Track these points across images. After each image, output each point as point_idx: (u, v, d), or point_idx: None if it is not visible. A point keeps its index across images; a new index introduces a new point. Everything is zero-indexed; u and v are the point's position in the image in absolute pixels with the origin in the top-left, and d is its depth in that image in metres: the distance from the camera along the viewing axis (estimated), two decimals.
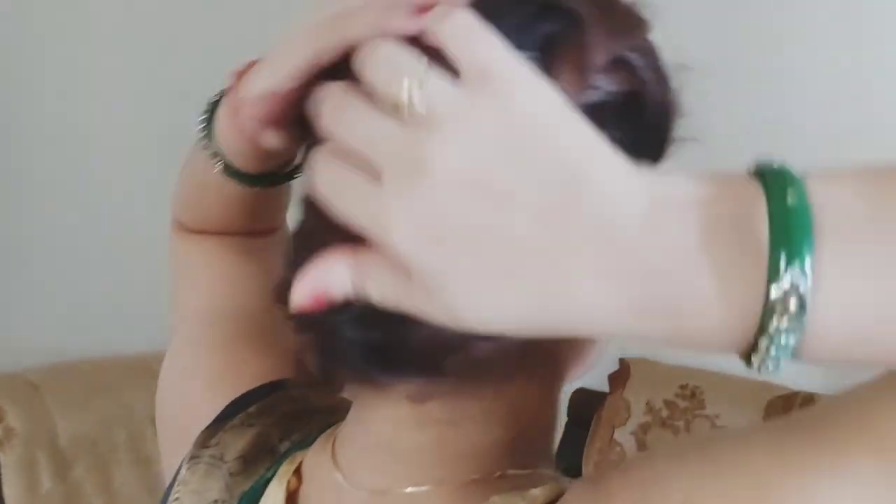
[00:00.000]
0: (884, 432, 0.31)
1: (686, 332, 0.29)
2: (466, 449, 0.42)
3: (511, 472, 0.42)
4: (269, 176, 0.50)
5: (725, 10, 2.03)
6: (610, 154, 0.30)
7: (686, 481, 0.35)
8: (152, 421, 2.12)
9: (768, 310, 0.28)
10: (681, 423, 1.99)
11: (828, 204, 0.28)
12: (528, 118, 0.30)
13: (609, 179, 0.30)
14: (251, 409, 0.52)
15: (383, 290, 0.32)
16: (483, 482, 0.42)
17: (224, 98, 0.48)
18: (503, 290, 0.30)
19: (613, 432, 2.04)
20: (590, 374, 0.48)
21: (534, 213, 0.29)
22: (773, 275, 0.28)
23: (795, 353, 0.29)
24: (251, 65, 0.41)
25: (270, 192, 0.52)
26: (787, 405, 1.88)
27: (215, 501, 0.49)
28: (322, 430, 0.49)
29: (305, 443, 0.49)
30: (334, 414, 0.50)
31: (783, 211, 0.28)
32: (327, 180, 0.32)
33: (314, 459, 0.47)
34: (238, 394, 0.53)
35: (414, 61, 0.31)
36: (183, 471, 0.51)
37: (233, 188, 0.51)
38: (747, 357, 0.30)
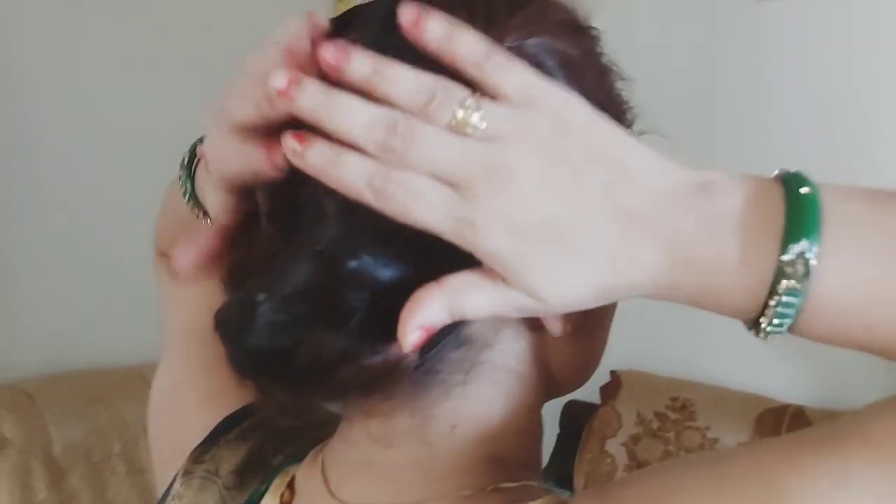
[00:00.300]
0: (877, 439, 0.35)
1: (712, 288, 0.36)
2: (447, 467, 0.43)
3: (503, 485, 0.43)
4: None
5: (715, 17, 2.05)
6: (638, 144, 0.37)
7: (699, 495, 0.37)
8: (146, 431, 2.12)
9: (779, 271, 0.34)
10: (671, 435, 2.00)
11: (834, 200, 0.35)
12: (574, 125, 0.36)
13: (645, 164, 0.36)
14: (244, 425, 0.54)
15: (477, 302, 0.37)
16: (475, 497, 0.43)
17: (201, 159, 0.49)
18: (576, 267, 0.36)
19: (604, 444, 2.05)
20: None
21: (592, 199, 0.35)
22: (785, 244, 0.34)
23: (797, 324, 0.35)
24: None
25: None
26: (777, 418, 1.89)
27: None
28: (314, 445, 0.50)
29: (298, 457, 0.50)
30: (325, 428, 0.50)
31: (798, 197, 0.35)
32: (401, 196, 0.36)
33: (305, 473, 0.48)
34: (231, 410, 0.54)
35: (456, 87, 0.36)
36: (177, 485, 0.52)
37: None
38: (755, 323, 0.36)
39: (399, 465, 0.44)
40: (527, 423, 0.46)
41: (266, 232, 0.41)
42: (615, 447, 2.04)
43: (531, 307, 0.37)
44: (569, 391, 0.49)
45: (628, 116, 0.45)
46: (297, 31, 0.39)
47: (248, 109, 0.39)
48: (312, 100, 0.36)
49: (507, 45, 0.39)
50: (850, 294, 0.35)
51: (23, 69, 1.89)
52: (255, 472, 0.51)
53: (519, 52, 0.39)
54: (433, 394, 0.42)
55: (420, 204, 0.35)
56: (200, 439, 0.53)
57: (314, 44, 0.38)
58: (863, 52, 1.87)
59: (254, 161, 0.39)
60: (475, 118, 0.35)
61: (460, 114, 0.35)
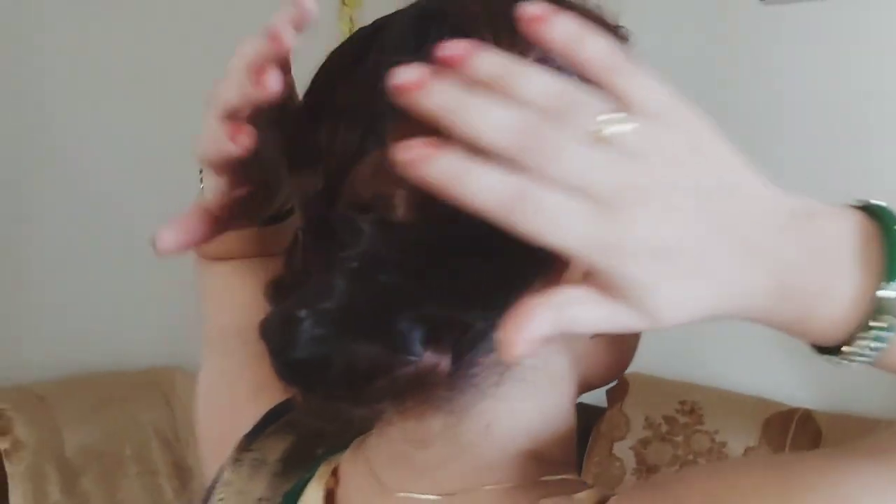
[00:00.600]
0: None
1: (809, 316, 0.36)
2: (484, 464, 0.44)
3: (544, 478, 0.44)
4: (275, 216, 0.54)
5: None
6: (749, 166, 0.36)
7: (760, 497, 0.38)
8: (157, 433, 2.14)
9: (878, 306, 0.35)
10: (680, 439, 2.00)
11: None
12: (704, 144, 0.35)
13: (758, 190, 0.36)
14: (288, 417, 0.55)
15: (585, 318, 0.35)
16: (515, 490, 0.44)
17: None
18: (696, 287, 0.35)
19: (612, 446, 2.06)
20: None
21: (714, 223, 0.34)
22: (887, 279, 0.35)
23: (880, 355, 0.36)
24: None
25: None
26: (785, 422, 1.90)
27: (260, 500, 0.51)
28: (354, 437, 0.51)
29: (341, 447, 0.51)
30: (365, 422, 0.51)
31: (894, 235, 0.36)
32: (539, 214, 0.33)
33: (349, 462, 0.50)
34: (276, 402, 0.56)
35: (594, 94, 0.33)
36: (226, 473, 0.54)
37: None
38: (834, 349, 0.37)
39: (435, 463, 0.45)
40: (561, 420, 0.47)
41: (303, 248, 0.43)
42: (623, 450, 2.04)
43: (637, 325, 0.35)
44: (601, 386, 0.50)
45: None
46: (282, 17, 0.41)
47: (233, 94, 0.42)
48: (445, 97, 0.33)
49: (531, 57, 0.38)
50: None
51: (42, 71, 1.91)
52: (300, 461, 0.52)
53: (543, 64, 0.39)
54: (467, 396, 0.43)
55: (559, 223, 0.32)
56: (248, 429, 0.55)
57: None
58: (871, 55, 1.87)
59: (221, 140, 0.42)
60: (620, 130, 0.33)
61: (605, 125, 0.33)
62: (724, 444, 1.94)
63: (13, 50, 1.87)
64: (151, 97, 2.05)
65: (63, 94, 1.94)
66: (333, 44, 0.45)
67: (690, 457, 1.97)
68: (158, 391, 1.98)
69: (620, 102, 0.33)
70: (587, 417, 2.09)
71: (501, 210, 0.32)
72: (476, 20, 0.41)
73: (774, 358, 1.97)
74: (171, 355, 2.05)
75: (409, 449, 0.45)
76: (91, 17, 1.96)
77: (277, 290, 0.43)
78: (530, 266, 0.40)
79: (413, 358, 0.39)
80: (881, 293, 0.35)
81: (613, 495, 0.42)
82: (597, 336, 0.45)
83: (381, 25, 0.44)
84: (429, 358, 0.39)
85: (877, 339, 0.36)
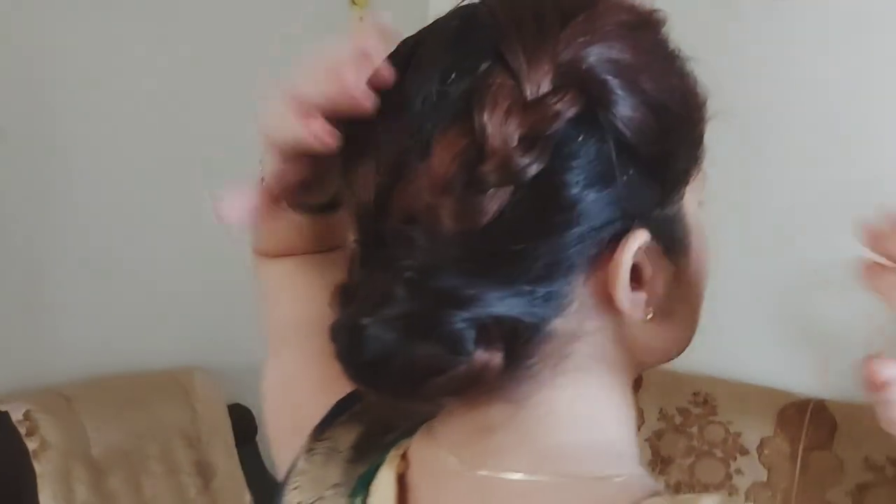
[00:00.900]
0: None
1: None
2: (548, 452, 0.46)
3: (608, 473, 0.46)
4: (325, 205, 0.56)
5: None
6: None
7: None
8: (181, 433, 2.16)
9: None
10: (694, 430, 2.03)
11: None
12: None
13: None
14: (357, 407, 0.58)
15: None
16: (583, 482, 0.45)
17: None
18: None
19: None
20: None
21: None
22: None
23: None
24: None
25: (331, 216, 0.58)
26: (799, 412, 1.92)
27: (335, 485, 0.54)
28: (423, 421, 0.53)
29: (408, 433, 0.54)
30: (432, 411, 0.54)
31: None
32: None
33: (419, 446, 0.52)
34: (344, 393, 0.58)
35: None
36: (300, 463, 0.56)
37: (294, 215, 0.57)
38: None
39: (501, 449, 0.47)
40: (619, 406, 0.48)
41: (361, 258, 0.47)
42: (639, 442, 2.07)
43: None
44: (657, 365, 0.51)
45: (698, 102, 0.48)
46: (370, 32, 0.44)
47: (313, 90, 0.45)
48: None
49: (560, 61, 0.41)
50: None
51: (59, 79, 1.92)
52: (371, 448, 0.55)
53: (572, 68, 0.42)
54: (523, 387, 0.46)
55: None
56: (317, 421, 0.57)
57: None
58: (883, 51, 1.89)
59: (300, 132, 0.45)
60: None
61: None
62: (739, 435, 1.96)
63: (24, 51, 1.89)
64: (172, 104, 2.06)
65: (82, 104, 1.95)
66: None
67: (706, 447, 2.00)
68: (181, 392, 2.01)
69: None
70: None
71: None
72: (510, 30, 0.43)
73: (786, 349, 1.99)
74: (194, 357, 2.08)
75: (474, 435, 0.48)
76: (104, 19, 1.98)
77: (342, 297, 0.47)
78: (571, 265, 0.43)
79: (467, 357, 0.42)
80: None
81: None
82: (650, 320, 0.46)
83: (419, 41, 0.46)
84: (481, 356, 0.43)
85: None
